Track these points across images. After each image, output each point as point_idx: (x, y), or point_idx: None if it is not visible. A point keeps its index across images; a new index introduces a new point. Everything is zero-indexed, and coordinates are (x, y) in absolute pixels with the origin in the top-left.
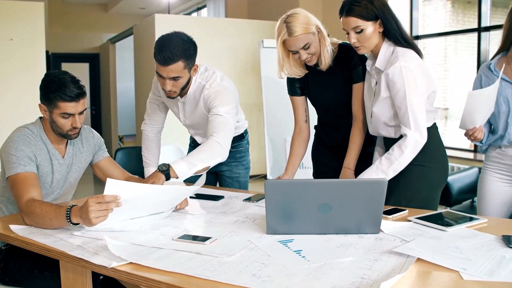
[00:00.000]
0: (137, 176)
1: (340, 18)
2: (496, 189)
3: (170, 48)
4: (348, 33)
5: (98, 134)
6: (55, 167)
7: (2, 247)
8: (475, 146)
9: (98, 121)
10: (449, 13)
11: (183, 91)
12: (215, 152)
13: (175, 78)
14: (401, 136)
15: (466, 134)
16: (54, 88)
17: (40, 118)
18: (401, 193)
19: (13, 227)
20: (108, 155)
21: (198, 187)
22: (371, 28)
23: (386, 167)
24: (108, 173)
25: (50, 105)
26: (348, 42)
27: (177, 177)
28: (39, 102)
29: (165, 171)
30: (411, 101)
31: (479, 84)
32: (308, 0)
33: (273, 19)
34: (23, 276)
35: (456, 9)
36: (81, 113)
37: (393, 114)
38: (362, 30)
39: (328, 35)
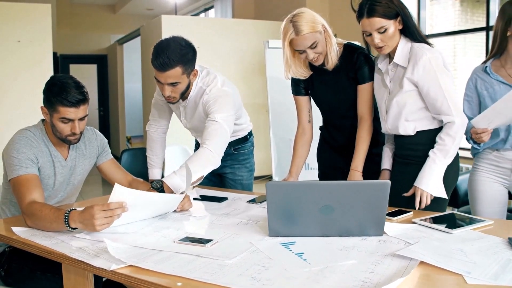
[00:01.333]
0: (141, 180)
1: (359, 20)
2: (491, 190)
3: (167, 54)
4: (369, 35)
5: (102, 135)
6: (58, 170)
7: (6, 249)
8: None
9: (106, 122)
10: (458, 12)
11: (184, 96)
12: (206, 160)
13: (173, 84)
14: (417, 133)
15: (473, 132)
16: (56, 91)
17: (43, 120)
18: None
19: (15, 229)
20: (112, 157)
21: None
22: (393, 27)
23: (443, 157)
24: (111, 176)
25: (51, 109)
26: (352, 42)
27: (172, 192)
28: (42, 105)
29: (159, 188)
30: (447, 89)
31: (473, 87)
32: (315, 0)
33: (280, 19)
34: (25, 277)
35: (465, 8)
36: (81, 119)
37: (416, 108)
38: (385, 30)
39: (335, 35)
